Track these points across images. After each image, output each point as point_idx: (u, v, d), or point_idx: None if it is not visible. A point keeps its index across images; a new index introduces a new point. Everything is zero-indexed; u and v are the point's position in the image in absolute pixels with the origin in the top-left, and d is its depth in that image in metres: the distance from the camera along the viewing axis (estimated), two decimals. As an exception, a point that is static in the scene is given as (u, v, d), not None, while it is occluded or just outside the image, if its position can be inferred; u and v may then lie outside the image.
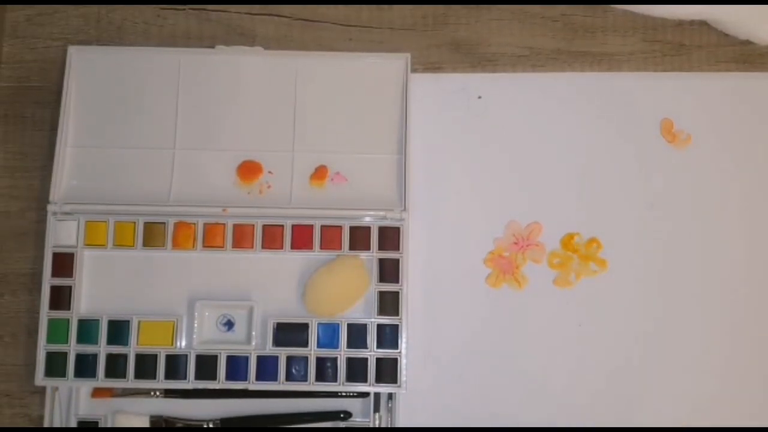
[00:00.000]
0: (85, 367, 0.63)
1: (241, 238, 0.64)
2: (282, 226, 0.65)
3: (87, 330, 0.63)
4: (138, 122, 0.66)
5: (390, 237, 0.64)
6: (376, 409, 0.64)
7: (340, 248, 0.64)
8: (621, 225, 0.67)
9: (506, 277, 0.66)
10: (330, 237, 0.65)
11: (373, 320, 0.64)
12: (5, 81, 0.69)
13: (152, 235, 0.64)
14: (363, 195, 0.65)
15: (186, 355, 0.63)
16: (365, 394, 0.64)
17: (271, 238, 0.65)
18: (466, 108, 0.69)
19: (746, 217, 0.67)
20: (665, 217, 0.67)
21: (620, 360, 0.65)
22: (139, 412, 0.64)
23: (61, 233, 0.64)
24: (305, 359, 0.63)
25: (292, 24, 0.70)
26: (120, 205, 0.64)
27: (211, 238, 0.64)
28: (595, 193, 0.67)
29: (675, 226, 0.67)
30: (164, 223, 0.64)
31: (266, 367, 0.63)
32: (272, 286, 0.64)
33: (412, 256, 0.65)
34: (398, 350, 0.63)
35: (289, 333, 0.63)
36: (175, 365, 0.63)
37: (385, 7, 0.70)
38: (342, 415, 0.64)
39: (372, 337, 0.63)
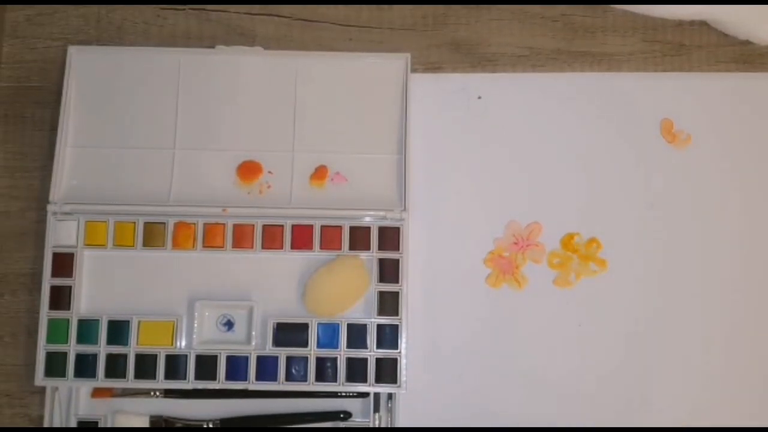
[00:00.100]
0: (85, 367, 0.63)
1: (241, 238, 0.64)
2: (282, 226, 0.65)
3: (87, 330, 0.63)
4: (138, 122, 0.66)
5: (390, 237, 0.64)
6: (376, 409, 0.64)
7: (340, 248, 0.64)
8: (621, 225, 0.67)
9: (506, 277, 0.66)
10: (330, 237, 0.65)
11: (373, 320, 0.64)
12: (5, 81, 0.69)
13: (152, 235, 0.64)
14: (363, 195, 0.65)
15: (186, 355, 0.63)
16: (365, 394, 0.64)
17: (271, 238, 0.65)
18: (466, 108, 0.69)
19: (746, 216, 0.67)
20: (665, 217, 0.67)
21: (620, 360, 0.65)
22: (139, 412, 0.64)
23: (61, 233, 0.64)
24: (305, 359, 0.63)
25: (292, 24, 0.70)
26: (120, 205, 0.64)
27: (211, 238, 0.64)
28: (595, 193, 0.67)
29: (675, 226, 0.67)
30: (164, 223, 0.64)
31: (266, 367, 0.63)
32: (272, 286, 0.64)
33: (412, 256, 0.65)
34: (398, 350, 0.63)
35: (289, 333, 0.63)
36: (175, 365, 0.63)
37: (385, 7, 0.70)
38: (342, 415, 0.64)
39: (372, 337, 0.63)
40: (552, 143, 0.68)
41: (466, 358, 0.65)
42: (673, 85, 0.69)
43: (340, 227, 0.65)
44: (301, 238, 0.65)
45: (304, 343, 0.63)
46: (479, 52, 0.70)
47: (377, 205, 0.65)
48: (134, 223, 0.64)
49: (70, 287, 0.63)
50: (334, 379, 0.63)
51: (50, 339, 0.63)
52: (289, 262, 0.65)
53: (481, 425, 0.64)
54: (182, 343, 0.64)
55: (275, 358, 0.63)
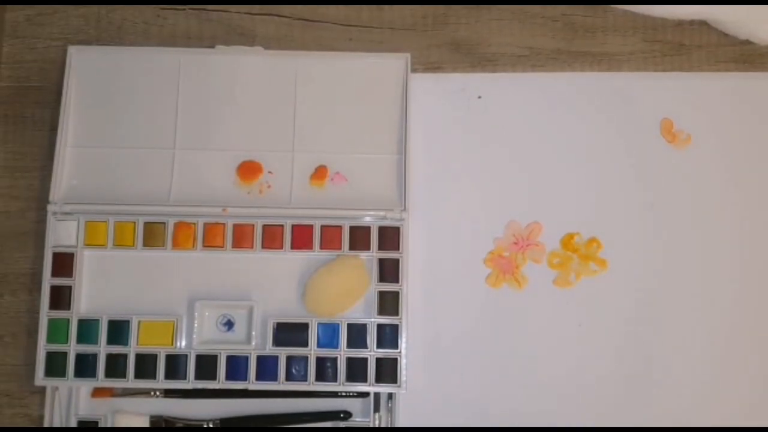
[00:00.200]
0: (85, 367, 0.63)
1: (241, 238, 0.64)
2: (282, 226, 0.65)
3: (87, 330, 0.63)
4: (138, 122, 0.66)
5: (390, 237, 0.64)
6: (376, 409, 0.64)
7: (340, 248, 0.64)
8: (621, 225, 0.67)
9: (506, 277, 0.66)
10: (330, 237, 0.65)
11: (373, 320, 0.64)
12: (5, 81, 0.69)
13: (152, 235, 0.64)
14: (363, 195, 0.65)
15: (186, 355, 0.63)
16: (365, 394, 0.64)
17: (271, 238, 0.65)
18: (466, 108, 0.69)
19: (746, 216, 0.67)
20: (665, 217, 0.67)
21: (620, 360, 0.65)
22: (139, 412, 0.64)
23: (61, 233, 0.64)
24: (305, 359, 0.63)
25: (292, 24, 0.70)
26: (120, 205, 0.64)
27: (211, 238, 0.64)
28: (595, 193, 0.67)
29: (675, 226, 0.67)
30: (164, 223, 0.64)
31: (266, 367, 0.63)
32: (272, 286, 0.64)
33: (412, 255, 0.65)
34: (398, 350, 0.63)
35: (289, 333, 0.63)
36: (175, 365, 0.63)
37: (385, 7, 0.70)
38: (342, 415, 0.64)
39: (372, 337, 0.63)
40: (552, 143, 0.68)
41: (466, 358, 0.65)
42: (673, 85, 0.69)
43: (340, 227, 0.65)
44: (301, 238, 0.64)
45: (304, 343, 0.63)
46: (479, 52, 0.70)
47: (377, 205, 0.65)
48: (134, 223, 0.64)
49: (70, 287, 0.63)
50: (334, 379, 0.63)
51: (50, 339, 0.63)
52: (289, 262, 0.65)
53: (481, 425, 0.64)
54: (182, 343, 0.64)
55: (275, 358, 0.63)
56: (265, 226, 0.65)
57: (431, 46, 0.70)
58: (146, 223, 0.64)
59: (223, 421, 0.64)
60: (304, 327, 0.63)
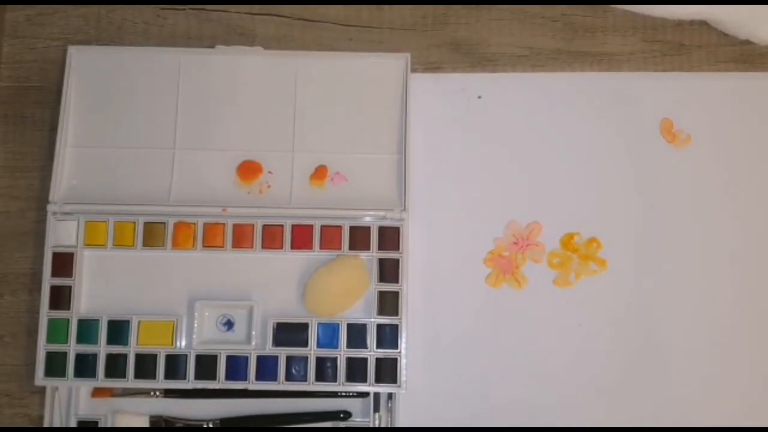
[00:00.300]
0: (85, 367, 0.63)
1: (241, 238, 0.64)
2: (282, 226, 0.65)
3: (87, 330, 0.63)
4: (138, 122, 0.66)
5: (390, 237, 0.64)
6: (376, 409, 0.64)
7: (340, 248, 0.64)
8: (621, 225, 0.67)
9: (506, 276, 0.66)
10: (330, 237, 0.65)
11: (373, 320, 0.64)
12: (5, 81, 0.69)
13: (152, 235, 0.64)
14: (363, 195, 0.65)
15: (186, 355, 0.63)
16: (365, 394, 0.64)
17: (271, 238, 0.65)
18: (466, 108, 0.69)
19: (746, 216, 0.67)
20: (665, 217, 0.67)
21: (620, 360, 0.65)
22: (139, 412, 0.64)
23: (61, 233, 0.64)
24: (305, 359, 0.63)
25: (292, 24, 0.70)
26: (120, 205, 0.64)
27: (211, 238, 0.64)
28: (595, 193, 0.67)
29: (675, 226, 0.67)
30: (164, 223, 0.64)
31: (266, 367, 0.63)
32: (272, 286, 0.64)
33: (412, 256, 0.65)
34: (398, 350, 0.63)
35: (289, 333, 0.63)
36: (175, 365, 0.63)
37: (385, 7, 0.70)
38: (342, 415, 0.64)
39: (372, 337, 0.63)
40: (552, 143, 0.68)
41: (466, 358, 0.65)
42: (673, 85, 0.69)
43: (340, 227, 0.65)
44: (301, 238, 0.64)
45: (304, 343, 0.63)
46: (479, 52, 0.70)
47: (377, 205, 0.65)
48: (134, 223, 0.64)
49: (70, 287, 0.63)
50: (334, 379, 0.63)
51: (50, 339, 0.63)
52: (289, 262, 0.65)
53: (481, 425, 0.64)
54: (182, 343, 0.64)
55: (275, 358, 0.63)
56: (265, 226, 0.65)
57: (431, 46, 0.70)
58: (146, 223, 0.64)
59: (223, 421, 0.64)
60: (304, 327, 0.63)
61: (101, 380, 0.63)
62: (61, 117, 0.65)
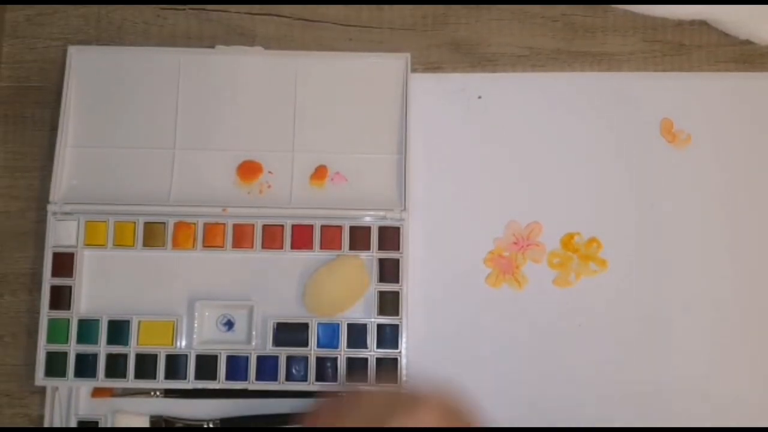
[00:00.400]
0: (85, 367, 0.63)
1: (241, 238, 0.64)
2: (282, 226, 0.65)
3: (87, 330, 0.63)
4: (138, 122, 0.66)
5: (390, 237, 0.64)
6: (376, 409, 0.64)
7: (340, 248, 0.64)
8: (621, 225, 0.67)
9: (506, 277, 0.66)
10: (330, 237, 0.65)
11: (373, 320, 0.64)
12: (5, 81, 0.69)
13: (152, 235, 0.64)
14: (363, 195, 0.65)
15: (186, 355, 0.63)
16: (365, 394, 0.64)
17: (271, 238, 0.65)
18: (466, 108, 0.68)
19: (746, 216, 0.67)
20: (665, 217, 0.67)
21: (620, 360, 0.65)
22: (139, 412, 0.64)
23: (61, 233, 0.64)
24: (305, 359, 0.63)
25: (292, 24, 0.70)
26: (120, 205, 0.64)
27: (211, 238, 0.64)
28: (595, 193, 0.67)
29: (675, 226, 0.67)
30: (164, 223, 0.64)
31: (266, 367, 0.63)
32: (272, 286, 0.64)
33: (412, 256, 0.65)
34: (398, 350, 0.63)
35: (289, 333, 0.63)
36: (175, 365, 0.63)
37: (385, 7, 0.70)
38: (342, 415, 0.64)
39: (372, 337, 0.63)
40: (552, 143, 0.68)
41: (466, 358, 0.65)
42: (673, 85, 0.69)
43: (340, 227, 0.65)
44: (301, 238, 0.64)
45: (304, 343, 0.63)
46: (479, 52, 0.70)
47: (377, 205, 0.65)
48: (134, 223, 0.64)
49: (70, 287, 0.63)
50: (334, 379, 0.63)
51: (50, 339, 0.63)
52: (289, 262, 0.65)
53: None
54: (182, 343, 0.64)
55: (275, 358, 0.63)
56: (265, 226, 0.65)
57: (431, 46, 0.70)
58: (146, 223, 0.64)
59: (223, 421, 0.64)
60: (304, 327, 0.63)
61: (101, 380, 0.63)
62: (61, 117, 0.65)
